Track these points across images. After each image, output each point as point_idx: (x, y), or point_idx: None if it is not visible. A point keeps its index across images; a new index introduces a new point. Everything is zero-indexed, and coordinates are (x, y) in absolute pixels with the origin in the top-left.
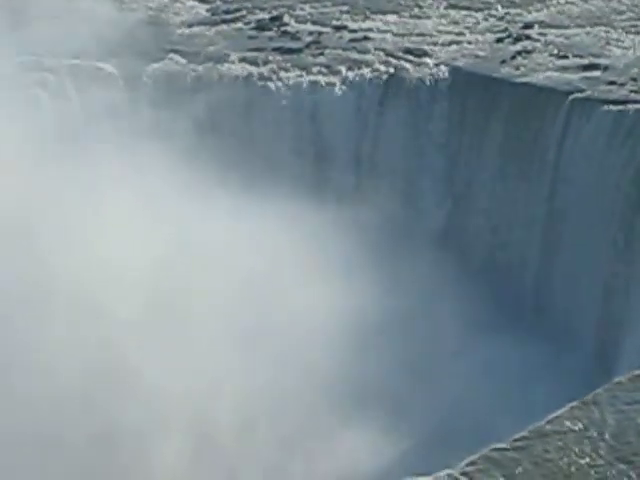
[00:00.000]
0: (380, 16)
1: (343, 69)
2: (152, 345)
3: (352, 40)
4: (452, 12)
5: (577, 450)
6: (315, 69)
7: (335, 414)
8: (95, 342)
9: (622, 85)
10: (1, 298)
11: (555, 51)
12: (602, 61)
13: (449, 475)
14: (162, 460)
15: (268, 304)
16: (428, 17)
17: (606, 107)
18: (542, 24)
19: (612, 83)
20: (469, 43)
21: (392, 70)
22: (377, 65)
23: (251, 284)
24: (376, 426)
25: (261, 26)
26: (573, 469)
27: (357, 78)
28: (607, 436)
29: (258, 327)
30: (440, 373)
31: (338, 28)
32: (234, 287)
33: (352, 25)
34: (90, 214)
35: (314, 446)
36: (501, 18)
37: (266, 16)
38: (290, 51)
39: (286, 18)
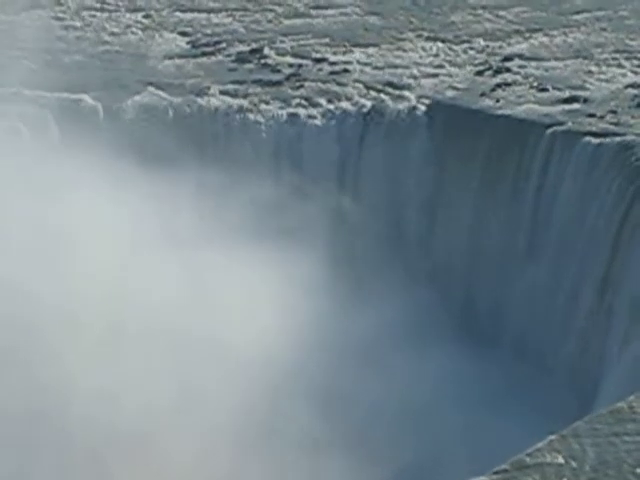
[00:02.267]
0: (360, 49)
1: (323, 102)
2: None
3: (332, 73)
4: (432, 45)
5: None
6: (295, 101)
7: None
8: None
9: (602, 118)
10: None
11: (535, 83)
12: (582, 93)
13: None
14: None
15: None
16: (408, 50)
17: (586, 139)
18: (522, 57)
19: (592, 115)
20: (449, 76)
21: (372, 103)
22: (357, 98)
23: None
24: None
25: (241, 58)
26: None
27: (337, 111)
28: (587, 469)
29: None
30: (405, 401)
31: (318, 60)
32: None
33: (332, 58)
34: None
35: None
36: (481, 51)
37: (246, 48)
38: (270, 83)
39: (266, 50)
